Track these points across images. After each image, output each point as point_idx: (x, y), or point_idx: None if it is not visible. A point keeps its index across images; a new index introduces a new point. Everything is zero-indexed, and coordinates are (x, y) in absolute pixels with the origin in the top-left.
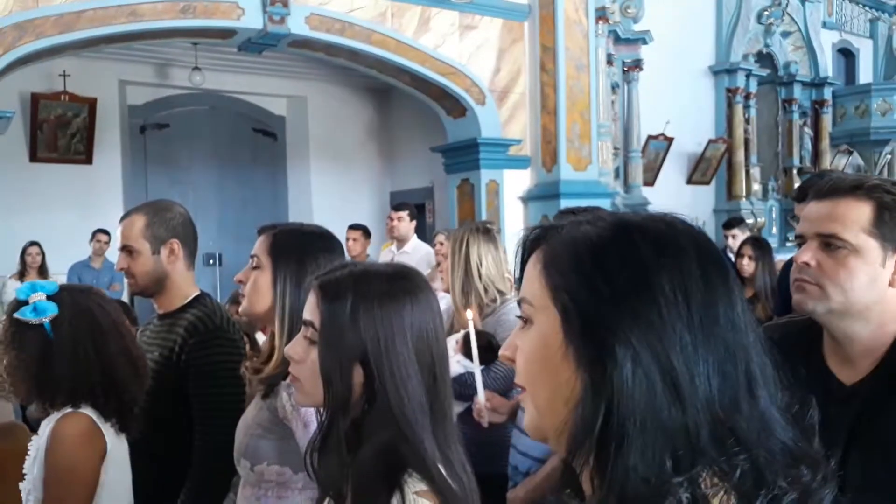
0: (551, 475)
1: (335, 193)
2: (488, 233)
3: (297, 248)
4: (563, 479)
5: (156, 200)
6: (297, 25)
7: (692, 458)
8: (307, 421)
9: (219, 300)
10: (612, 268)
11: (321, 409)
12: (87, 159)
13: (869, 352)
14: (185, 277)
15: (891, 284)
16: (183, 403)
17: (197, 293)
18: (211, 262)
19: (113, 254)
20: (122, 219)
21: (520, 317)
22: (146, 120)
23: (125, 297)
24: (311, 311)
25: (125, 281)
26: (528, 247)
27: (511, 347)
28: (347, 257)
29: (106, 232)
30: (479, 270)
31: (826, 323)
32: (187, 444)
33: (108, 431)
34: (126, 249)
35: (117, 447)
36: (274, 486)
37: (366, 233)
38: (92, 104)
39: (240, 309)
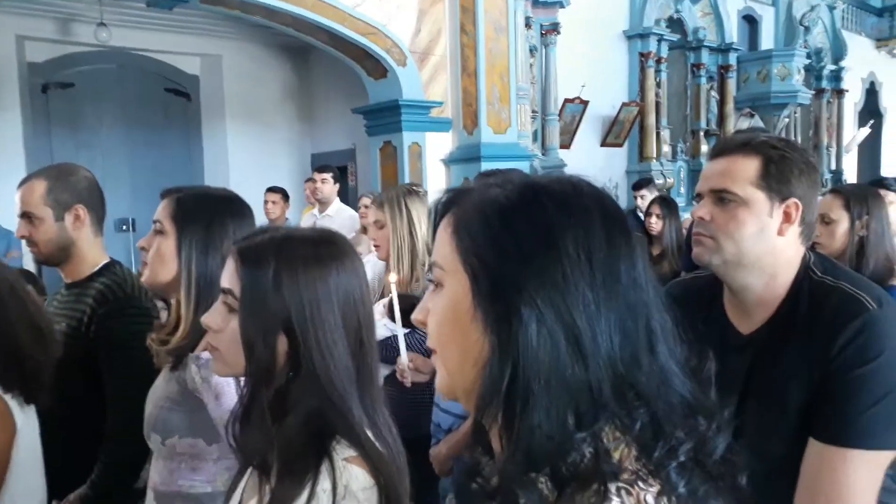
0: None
1: (253, 155)
2: (419, 195)
3: (204, 212)
4: (474, 437)
5: (58, 164)
6: None
7: (595, 414)
8: (219, 392)
9: (133, 267)
10: (519, 229)
11: (239, 379)
12: None
13: (763, 302)
14: (92, 245)
15: (779, 234)
16: (93, 376)
17: (106, 261)
18: (124, 227)
19: (8, 220)
20: (21, 184)
21: (431, 280)
22: (48, 79)
23: (32, 266)
24: (229, 278)
25: (24, 248)
26: (441, 211)
27: (423, 311)
28: (265, 221)
29: None
30: (419, 233)
31: (723, 274)
32: (99, 418)
33: (14, 406)
34: (26, 216)
35: (27, 425)
36: (187, 458)
37: (285, 196)
38: None
39: (142, 278)
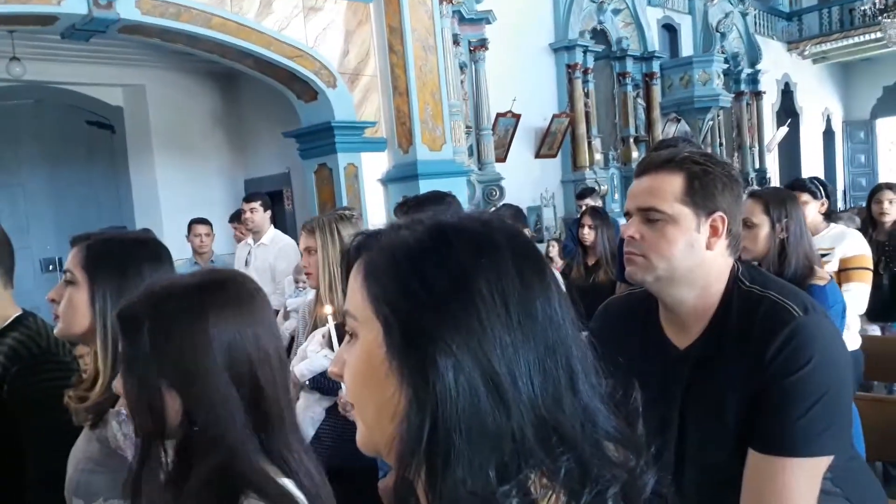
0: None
1: (184, 186)
2: (352, 220)
3: (117, 259)
4: (397, 496)
5: None
6: (126, 10)
7: (519, 463)
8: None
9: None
10: (429, 273)
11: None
12: None
13: (697, 315)
14: (1, 298)
15: (708, 248)
16: (10, 440)
17: (18, 313)
18: (50, 267)
19: None
20: None
21: (347, 331)
22: None
23: None
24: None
25: None
26: (352, 256)
27: (339, 363)
28: (188, 258)
29: None
30: None
31: (657, 291)
32: (18, 480)
33: None
34: None
35: None
36: None
37: (212, 225)
38: None
39: (55, 330)
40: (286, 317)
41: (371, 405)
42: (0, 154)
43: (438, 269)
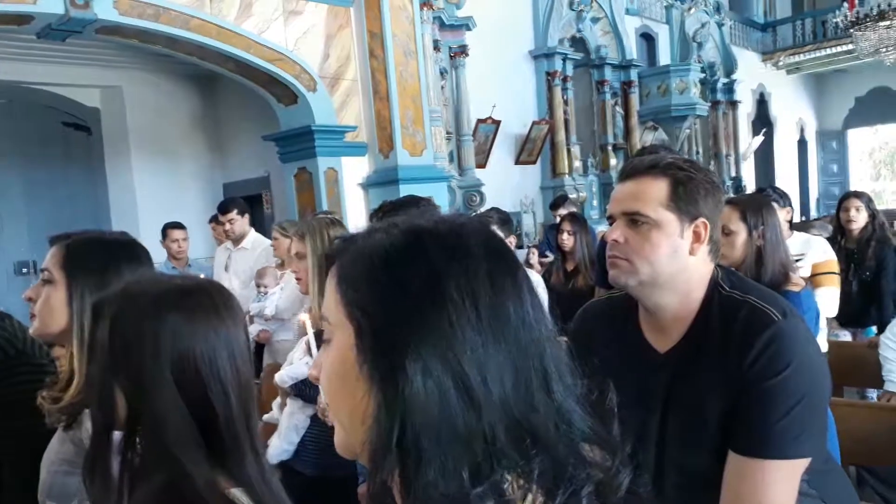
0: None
1: (161, 190)
2: (340, 223)
3: (96, 259)
4: (377, 495)
5: None
6: (104, 10)
7: (492, 464)
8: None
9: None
10: (400, 278)
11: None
12: None
13: (678, 319)
14: None
15: (691, 253)
16: None
17: None
18: (24, 270)
19: None
20: None
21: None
22: None
23: None
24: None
25: None
26: (329, 261)
27: (317, 366)
28: (163, 261)
29: None
30: None
31: (639, 295)
32: None
33: None
34: None
35: None
36: None
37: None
38: None
39: (31, 330)
40: (250, 321)
41: (345, 408)
42: None
43: (409, 274)
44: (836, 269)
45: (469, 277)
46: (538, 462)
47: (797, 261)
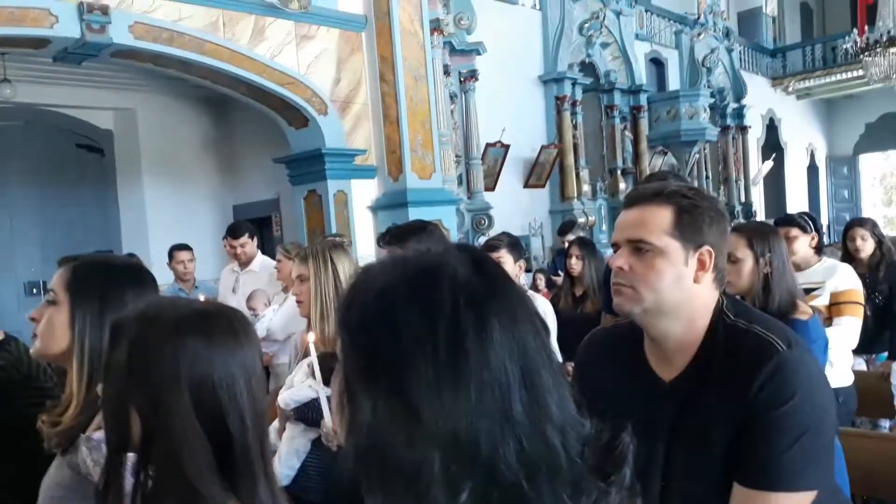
0: None
1: (172, 211)
2: (343, 248)
3: (100, 282)
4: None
5: None
6: (119, 35)
7: (439, 496)
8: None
9: None
10: (370, 335)
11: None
12: None
13: (683, 348)
14: None
15: (695, 281)
16: None
17: (0, 338)
18: (34, 290)
19: None
20: None
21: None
22: None
23: None
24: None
25: None
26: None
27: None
28: (166, 292)
29: None
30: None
31: (643, 322)
32: None
33: None
34: None
35: None
36: None
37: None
38: None
39: (32, 350)
40: None
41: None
42: None
43: (376, 334)
44: (860, 298)
45: (430, 313)
46: (496, 495)
47: (815, 289)
